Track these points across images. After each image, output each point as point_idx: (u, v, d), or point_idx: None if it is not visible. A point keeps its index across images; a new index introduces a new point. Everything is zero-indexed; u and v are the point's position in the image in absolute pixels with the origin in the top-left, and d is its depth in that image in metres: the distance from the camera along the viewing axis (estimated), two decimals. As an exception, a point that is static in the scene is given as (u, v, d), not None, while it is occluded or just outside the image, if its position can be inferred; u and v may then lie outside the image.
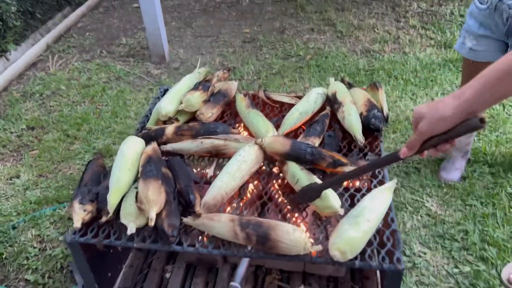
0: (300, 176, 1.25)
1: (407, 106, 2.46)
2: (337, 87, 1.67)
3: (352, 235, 1.07)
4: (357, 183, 1.45)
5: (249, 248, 1.12)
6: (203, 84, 1.66)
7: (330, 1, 4.00)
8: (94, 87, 2.80)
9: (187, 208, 1.21)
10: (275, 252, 1.10)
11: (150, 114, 1.72)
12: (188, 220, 1.17)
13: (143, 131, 1.52)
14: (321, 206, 1.18)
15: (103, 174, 1.33)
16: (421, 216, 1.79)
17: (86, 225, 1.20)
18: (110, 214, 1.13)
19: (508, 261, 1.55)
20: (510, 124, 2.24)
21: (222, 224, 1.13)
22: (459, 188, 1.89)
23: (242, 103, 1.65)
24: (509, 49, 1.62)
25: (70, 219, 1.85)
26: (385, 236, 1.15)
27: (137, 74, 2.99)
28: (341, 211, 1.16)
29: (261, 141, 1.36)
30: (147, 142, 1.40)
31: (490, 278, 1.50)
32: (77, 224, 1.15)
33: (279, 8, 3.99)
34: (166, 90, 1.88)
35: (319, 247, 1.07)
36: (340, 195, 1.26)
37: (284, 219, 1.31)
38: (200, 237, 1.18)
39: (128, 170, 1.22)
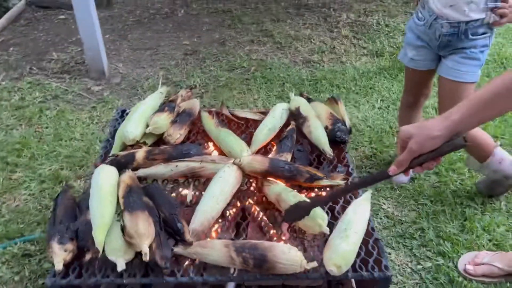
0: (287, 196, 1.27)
1: (352, 114, 2.61)
2: (299, 102, 1.73)
3: (345, 248, 1.12)
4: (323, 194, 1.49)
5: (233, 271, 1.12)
6: (168, 105, 1.63)
7: (265, 13, 4.10)
8: (29, 108, 2.59)
9: (175, 237, 1.18)
10: (272, 273, 1.11)
11: (112, 138, 1.64)
12: (179, 249, 1.14)
13: (110, 158, 1.45)
14: (309, 224, 1.21)
15: (78, 207, 1.24)
16: (380, 219, 1.91)
17: (65, 266, 1.12)
18: (101, 252, 1.07)
19: (462, 253, 1.71)
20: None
21: (217, 251, 1.12)
22: (410, 189, 2.05)
23: (210, 122, 1.65)
24: (441, 60, 1.82)
25: (25, 256, 1.70)
26: (369, 245, 1.22)
27: (76, 91, 2.82)
28: (327, 230, 1.19)
29: (240, 161, 1.36)
30: (118, 170, 1.35)
31: (449, 271, 1.65)
32: (59, 266, 1.07)
33: (216, 20, 4.00)
34: (123, 111, 1.82)
35: (315, 264, 1.11)
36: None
37: (265, 236, 1.33)
38: (186, 263, 1.16)
39: (109, 202, 1.17)
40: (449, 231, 1.82)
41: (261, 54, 3.36)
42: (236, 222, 1.34)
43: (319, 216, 1.19)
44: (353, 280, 1.60)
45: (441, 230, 1.83)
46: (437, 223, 1.87)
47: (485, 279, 1.63)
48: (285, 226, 1.33)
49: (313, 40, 3.57)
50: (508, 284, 1.63)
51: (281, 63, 3.21)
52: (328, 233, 1.19)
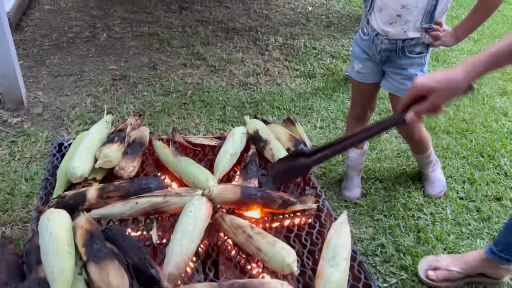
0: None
1: (296, 134, 2.61)
2: (257, 125, 1.68)
3: (337, 277, 1.06)
4: (296, 220, 1.43)
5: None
6: (118, 135, 1.47)
7: (194, 36, 4.03)
8: None
9: (149, 285, 1.03)
10: (265, 313, 1.02)
11: (51, 176, 1.44)
12: (158, 300, 0.99)
13: (56, 200, 1.25)
14: (277, 266, 1.12)
15: (25, 264, 1.04)
16: (340, 238, 1.89)
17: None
18: (67, 317, 0.89)
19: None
20: (382, 142, 2.58)
21: (203, 296, 1.00)
22: (363, 205, 2.07)
23: (165, 151, 1.52)
24: (384, 75, 1.94)
25: None
26: (355, 270, 1.18)
27: (-10, 124, 2.47)
28: (297, 271, 1.11)
29: (209, 192, 1.26)
30: (68, 213, 1.16)
31: (414, 285, 1.68)
32: None
33: (143, 43, 3.83)
34: (60, 145, 1.61)
35: (309, 297, 1.03)
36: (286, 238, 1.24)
37: (244, 273, 1.23)
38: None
39: (68, 254, 0.98)
40: (407, 244, 1.86)
41: (196, 78, 3.27)
42: (207, 261, 1.22)
43: (287, 256, 1.11)
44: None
45: (400, 244, 1.86)
46: (395, 237, 1.90)
47: (447, 284, 1.68)
48: (256, 260, 1.23)
49: (246, 63, 3.57)
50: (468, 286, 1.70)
51: (218, 86, 3.14)
52: (298, 272, 1.11)
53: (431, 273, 1.68)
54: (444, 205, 2.10)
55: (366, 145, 2.22)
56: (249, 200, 1.28)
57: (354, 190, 2.14)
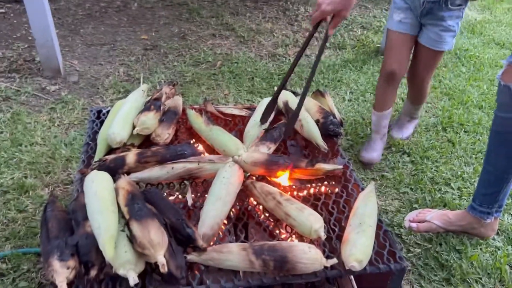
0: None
1: (324, 106, 2.62)
2: (287, 96, 1.70)
3: (364, 243, 1.10)
4: (322, 189, 1.47)
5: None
6: (153, 103, 1.52)
7: (223, 6, 4.02)
8: (-23, 112, 2.34)
9: (185, 244, 1.10)
10: (293, 273, 1.08)
11: (91, 141, 1.52)
12: (193, 257, 1.07)
13: (98, 163, 1.33)
14: (304, 231, 1.17)
15: (73, 220, 1.13)
16: (366, 209, 1.93)
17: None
18: (114, 266, 0.97)
19: (446, 241, 1.77)
20: (411, 115, 2.56)
21: (235, 255, 1.06)
22: (390, 178, 2.09)
23: (198, 120, 1.57)
24: (422, 29, 2.01)
25: (2, 275, 1.53)
26: (380, 238, 1.22)
27: (30, 92, 2.58)
28: (324, 237, 1.16)
29: (239, 156, 1.32)
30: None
31: (438, 256, 1.71)
32: (63, 286, 0.96)
33: (173, 13, 3.86)
34: (99, 112, 1.69)
35: (335, 261, 1.08)
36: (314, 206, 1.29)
37: (272, 237, 1.29)
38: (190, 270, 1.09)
39: (112, 212, 1.06)
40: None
41: (225, 48, 3.29)
42: (238, 224, 1.28)
43: (315, 222, 1.16)
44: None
45: (425, 217, 1.89)
46: (420, 210, 1.92)
47: (427, 234, 1.79)
48: (284, 225, 1.29)
49: (275, 33, 3.55)
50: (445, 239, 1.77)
51: (247, 57, 3.16)
52: (324, 237, 1.16)
53: (413, 225, 1.75)
54: (473, 180, 2.10)
55: (389, 109, 2.19)
56: (277, 161, 1.33)
57: (373, 153, 2.15)
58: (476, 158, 2.24)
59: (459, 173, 2.14)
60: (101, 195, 1.10)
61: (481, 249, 1.74)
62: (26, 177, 1.95)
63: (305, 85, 1.44)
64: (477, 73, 3.11)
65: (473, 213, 1.66)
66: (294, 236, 1.23)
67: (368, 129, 2.42)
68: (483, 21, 4.07)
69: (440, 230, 1.74)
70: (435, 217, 1.75)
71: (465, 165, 2.20)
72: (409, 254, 1.72)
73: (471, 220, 1.68)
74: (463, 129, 2.47)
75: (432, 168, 2.17)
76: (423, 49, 2.03)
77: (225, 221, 1.24)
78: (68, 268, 0.99)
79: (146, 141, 1.50)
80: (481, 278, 1.62)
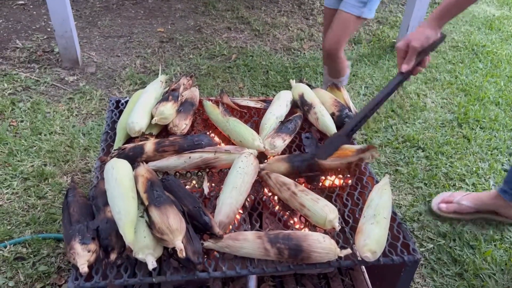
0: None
1: (339, 101, 2.62)
2: (303, 89, 1.71)
3: (378, 234, 1.12)
4: (336, 182, 1.48)
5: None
6: (172, 94, 1.55)
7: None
8: (-1, 101, 2.40)
9: (201, 231, 1.13)
10: (307, 262, 1.09)
11: (110, 130, 1.55)
12: (209, 244, 1.09)
13: (117, 151, 1.36)
14: (319, 221, 1.19)
15: (93, 205, 1.16)
16: (379, 203, 1.94)
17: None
18: (134, 250, 1.00)
19: (458, 236, 1.77)
20: (427, 111, 2.55)
21: (251, 243, 1.09)
22: (404, 172, 2.09)
23: (215, 111, 1.59)
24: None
25: (17, 259, 1.58)
26: (394, 230, 1.23)
27: (49, 82, 2.64)
28: (338, 227, 1.18)
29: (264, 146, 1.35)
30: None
31: (451, 251, 1.71)
32: (84, 268, 0.99)
33: (189, 6, 3.88)
34: (117, 102, 1.72)
35: (349, 251, 1.10)
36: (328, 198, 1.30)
37: (287, 227, 1.31)
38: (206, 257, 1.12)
39: (132, 198, 1.09)
40: (446, 212, 1.88)
41: (240, 42, 3.30)
42: (253, 213, 1.31)
43: (329, 212, 1.17)
44: (363, 266, 1.63)
45: (438, 212, 1.89)
46: (434, 205, 1.92)
47: (456, 216, 1.82)
48: (298, 215, 1.31)
49: (291, 27, 3.55)
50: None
51: (262, 50, 3.16)
52: (339, 228, 1.17)
53: (443, 205, 1.80)
54: (488, 176, 2.09)
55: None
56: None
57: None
58: (491, 154, 2.23)
59: (474, 169, 2.13)
60: (121, 182, 1.13)
61: (495, 245, 1.73)
62: (45, 165, 2.00)
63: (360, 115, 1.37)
64: (494, 70, 3.07)
65: (503, 195, 1.72)
66: (308, 227, 1.25)
67: (383, 123, 2.42)
68: (501, 17, 4.00)
69: (470, 210, 1.78)
70: (464, 198, 1.80)
71: (480, 161, 2.19)
72: (422, 249, 1.73)
73: (501, 202, 1.74)
74: (479, 126, 2.45)
75: (446, 164, 2.16)
76: (339, 13, 2.10)
77: (241, 210, 1.26)
78: (89, 251, 1.02)
79: (164, 131, 1.53)
80: (494, 274, 1.62)
